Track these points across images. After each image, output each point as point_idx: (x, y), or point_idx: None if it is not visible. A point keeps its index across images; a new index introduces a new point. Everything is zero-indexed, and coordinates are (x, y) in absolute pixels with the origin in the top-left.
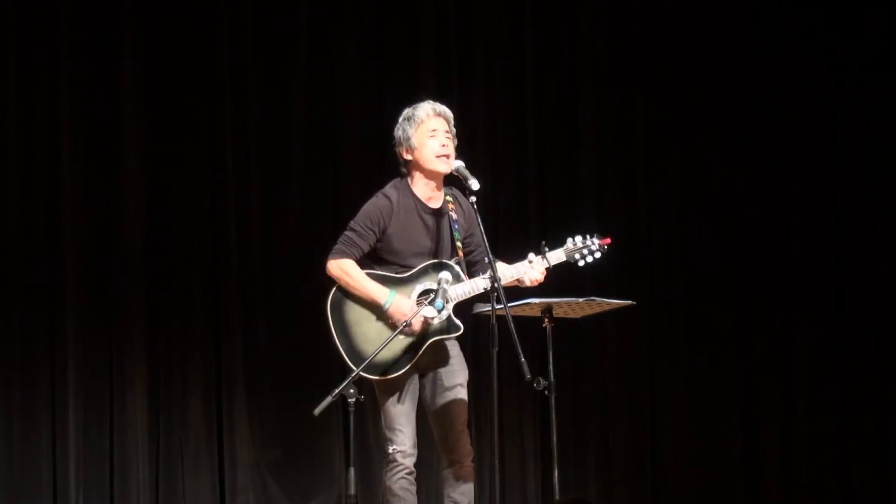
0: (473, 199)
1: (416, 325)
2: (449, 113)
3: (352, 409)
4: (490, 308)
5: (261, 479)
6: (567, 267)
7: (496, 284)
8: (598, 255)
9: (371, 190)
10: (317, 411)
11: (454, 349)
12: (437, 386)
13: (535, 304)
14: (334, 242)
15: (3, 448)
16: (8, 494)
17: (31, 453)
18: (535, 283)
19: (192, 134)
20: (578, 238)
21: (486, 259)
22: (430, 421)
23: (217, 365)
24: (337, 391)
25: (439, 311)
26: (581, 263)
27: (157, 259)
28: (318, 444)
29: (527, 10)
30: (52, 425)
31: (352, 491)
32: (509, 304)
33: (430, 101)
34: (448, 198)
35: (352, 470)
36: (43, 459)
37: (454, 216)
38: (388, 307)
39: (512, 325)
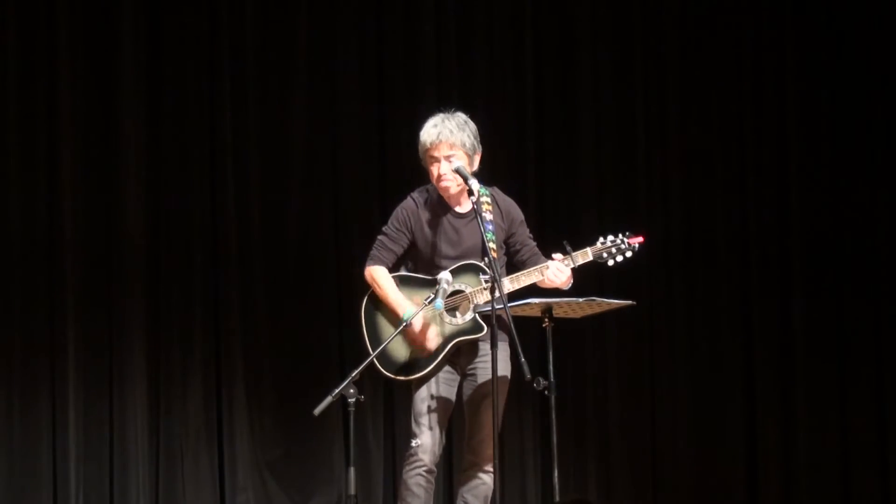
0: (474, 198)
1: (417, 327)
2: (449, 133)
3: (352, 409)
4: (490, 308)
5: (261, 479)
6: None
7: (496, 284)
8: (628, 254)
9: (371, 190)
10: (317, 411)
11: (500, 353)
12: (474, 387)
13: (535, 304)
14: (334, 242)
15: (4, 447)
16: (8, 494)
17: (31, 452)
18: (564, 284)
19: (192, 134)
20: (610, 237)
21: (486, 259)
22: (464, 419)
23: (217, 365)
24: (337, 391)
25: (440, 311)
26: (610, 263)
27: (157, 259)
28: (318, 444)
29: (527, 9)
30: (52, 424)
31: (352, 491)
32: (509, 305)
33: (435, 123)
34: (485, 198)
35: (352, 470)
36: (43, 458)
37: (489, 217)
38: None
39: (512, 325)
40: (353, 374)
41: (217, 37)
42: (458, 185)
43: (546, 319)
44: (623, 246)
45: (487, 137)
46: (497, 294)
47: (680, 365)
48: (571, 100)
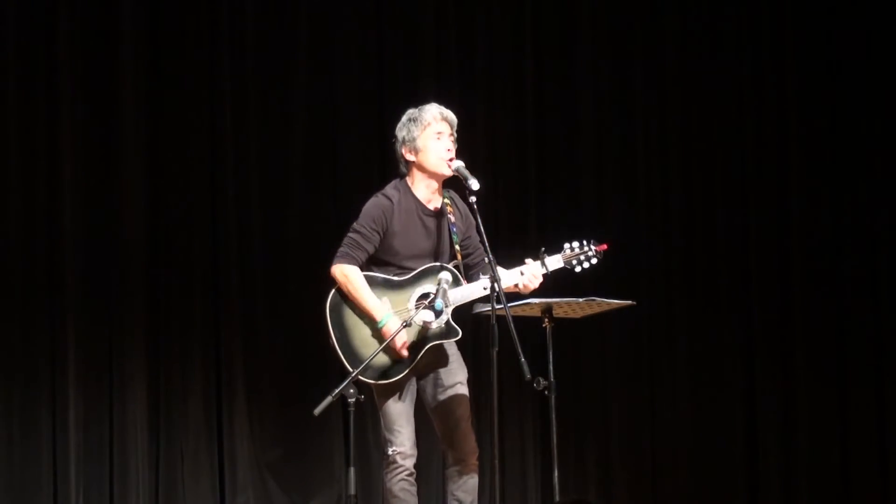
0: (473, 199)
1: (398, 341)
2: (454, 118)
3: (352, 409)
4: (490, 308)
5: (261, 479)
6: (566, 270)
7: (496, 284)
8: (594, 260)
9: (371, 190)
10: (317, 411)
11: (451, 349)
12: (438, 386)
13: (535, 304)
14: (334, 242)
15: (3, 448)
16: (8, 494)
17: (31, 453)
18: (531, 290)
19: (192, 133)
20: (576, 244)
21: (486, 259)
22: (433, 421)
23: (217, 365)
24: (337, 391)
25: (439, 312)
26: (578, 269)
27: (158, 259)
28: (318, 444)
29: (526, 10)
30: (53, 425)
31: (352, 491)
32: (509, 305)
33: (437, 105)
34: (446, 200)
35: (352, 470)
36: (43, 459)
37: (452, 219)
38: (382, 327)
39: (512, 325)
40: (353, 374)
41: (217, 37)
42: (450, 171)
43: (546, 319)
44: (590, 253)
45: (488, 137)
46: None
47: (680, 365)
48: (572, 100)
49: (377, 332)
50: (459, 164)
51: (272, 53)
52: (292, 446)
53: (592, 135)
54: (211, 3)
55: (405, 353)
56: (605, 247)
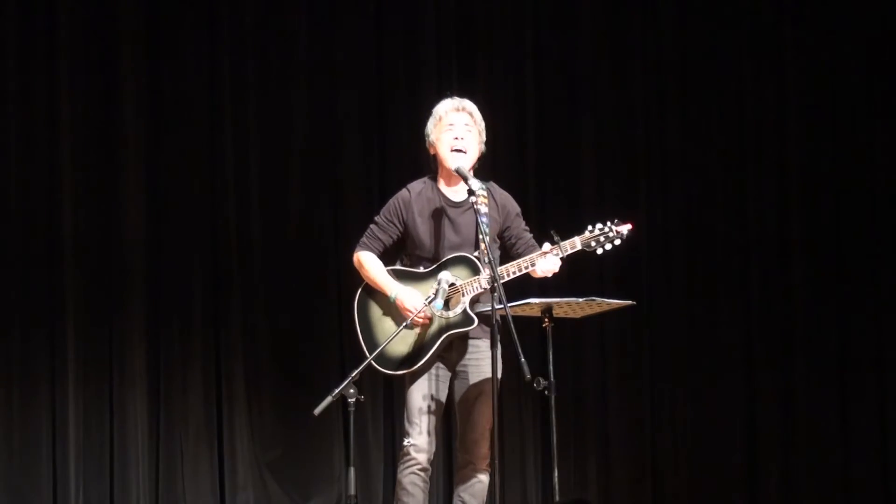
0: (474, 198)
1: (418, 322)
2: (471, 107)
3: (352, 409)
4: (490, 308)
5: (261, 479)
6: (571, 262)
7: (496, 284)
8: (617, 241)
9: (371, 190)
10: (317, 411)
11: (490, 351)
12: (466, 385)
13: (535, 304)
14: (334, 242)
15: (3, 446)
16: (8, 492)
17: (31, 451)
18: (550, 274)
19: (192, 133)
20: (599, 225)
21: (486, 259)
22: (455, 417)
23: (217, 365)
24: (337, 391)
25: (439, 311)
26: (599, 251)
27: (158, 259)
28: (318, 443)
29: (527, 10)
30: (53, 424)
31: (352, 491)
32: (509, 304)
33: (455, 97)
34: (482, 191)
35: (352, 470)
36: (43, 457)
37: (484, 209)
38: (394, 300)
39: (512, 325)
40: (353, 374)
41: (217, 37)
42: (456, 163)
43: (546, 319)
44: (611, 234)
45: (488, 135)
46: (497, 293)
47: (680, 365)
48: (572, 99)
49: (399, 319)
50: (461, 165)
51: (272, 51)
52: (292, 446)
53: (592, 135)
54: (211, 4)
55: (423, 319)
56: (629, 226)
